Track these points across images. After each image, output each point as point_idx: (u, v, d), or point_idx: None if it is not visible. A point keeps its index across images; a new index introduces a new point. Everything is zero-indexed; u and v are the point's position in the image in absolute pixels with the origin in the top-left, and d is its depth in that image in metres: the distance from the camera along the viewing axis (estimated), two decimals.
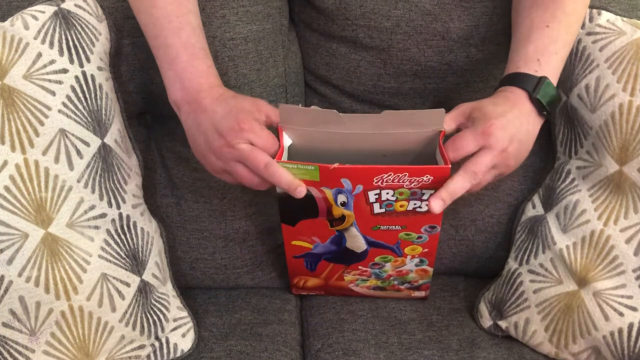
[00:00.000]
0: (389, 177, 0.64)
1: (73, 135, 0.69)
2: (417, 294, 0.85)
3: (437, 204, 0.62)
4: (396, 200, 0.67)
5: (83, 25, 0.73)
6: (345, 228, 0.71)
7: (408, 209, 0.68)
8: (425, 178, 0.64)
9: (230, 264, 0.87)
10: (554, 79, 0.69)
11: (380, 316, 0.84)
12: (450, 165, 0.63)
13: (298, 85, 0.89)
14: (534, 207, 0.84)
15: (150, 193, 0.84)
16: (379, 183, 0.64)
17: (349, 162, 0.64)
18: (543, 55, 0.69)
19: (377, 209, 0.68)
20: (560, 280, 0.76)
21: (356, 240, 0.73)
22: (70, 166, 0.68)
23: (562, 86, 0.81)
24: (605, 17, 0.77)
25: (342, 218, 0.70)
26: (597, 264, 0.73)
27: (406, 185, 0.65)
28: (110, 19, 0.76)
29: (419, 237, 0.73)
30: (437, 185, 0.64)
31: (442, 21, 0.81)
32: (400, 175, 0.63)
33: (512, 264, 0.82)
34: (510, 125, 0.64)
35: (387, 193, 0.66)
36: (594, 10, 0.78)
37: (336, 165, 0.63)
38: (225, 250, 0.87)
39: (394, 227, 0.71)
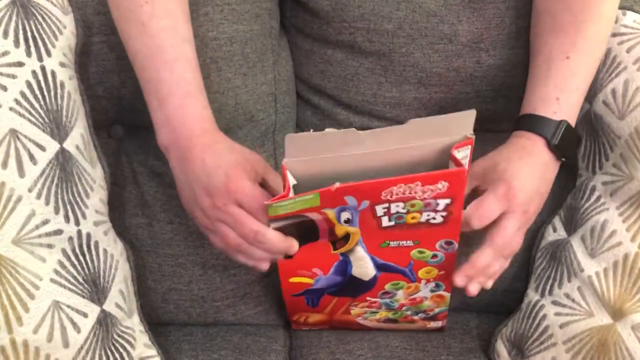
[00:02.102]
0: (399, 190, 0.57)
1: (26, 137, 0.61)
2: (433, 324, 0.78)
3: (461, 280, 0.64)
4: (407, 213, 0.60)
5: (45, 16, 0.66)
6: (350, 249, 0.64)
7: (421, 220, 0.61)
8: (439, 185, 0.57)
9: (208, 296, 0.80)
10: (573, 119, 0.67)
11: (382, 356, 0.76)
12: (466, 168, 0.57)
13: (289, 94, 0.82)
14: (554, 230, 0.77)
15: (118, 212, 0.77)
16: (388, 197, 0.58)
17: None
18: (563, 91, 0.67)
19: (385, 222, 0.61)
20: (591, 312, 0.68)
21: (363, 265, 0.66)
22: (21, 172, 0.60)
23: None
24: (632, 18, 0.73)
25: (347, 237, 0.63)
26: (635, 292, 0.66)
27: (419, 197, 0.58)
28: (78, 13, 0.70)
29: (434, 256, 0.66)
30: (453, 193, 0.58)
31: (449, 23, 0.76)
32: (412, 186, 0.57)
33: (532, 295, 0.75)
34: (528, 184, 0.63)
35: (397, 206, 0.59)
36: (619, 11, 0.74)
37: (338, 185, 0.56)
38: (203, 280, 0.79)
39: (405, 242, 0.64)
